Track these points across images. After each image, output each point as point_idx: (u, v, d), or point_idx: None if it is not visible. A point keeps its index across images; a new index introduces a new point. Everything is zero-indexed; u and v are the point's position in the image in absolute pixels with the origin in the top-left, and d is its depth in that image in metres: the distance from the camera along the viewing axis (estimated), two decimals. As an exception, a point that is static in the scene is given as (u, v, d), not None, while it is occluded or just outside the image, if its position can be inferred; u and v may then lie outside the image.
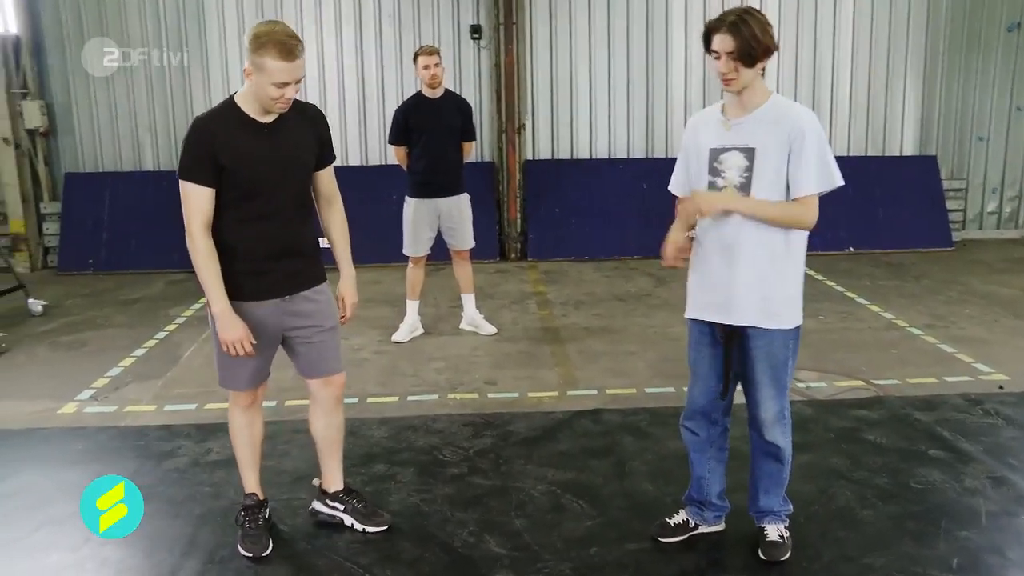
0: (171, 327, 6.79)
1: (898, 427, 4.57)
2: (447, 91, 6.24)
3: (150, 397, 5.32)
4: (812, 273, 8.08)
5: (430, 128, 6.05)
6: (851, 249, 9.19)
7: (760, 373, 3.16)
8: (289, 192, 3.28)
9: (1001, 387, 5.17)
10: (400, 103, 6.42)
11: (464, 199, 6.26)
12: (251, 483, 3.59)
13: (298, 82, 3.09)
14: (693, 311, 3.27)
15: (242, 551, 3.46)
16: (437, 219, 6.21)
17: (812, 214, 3.01)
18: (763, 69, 2.99)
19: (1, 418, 4.98)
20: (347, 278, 3.50)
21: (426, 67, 5.94)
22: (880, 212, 9.37)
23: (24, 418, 4.99)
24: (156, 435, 4.65)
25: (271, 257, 3.27)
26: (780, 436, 3.23)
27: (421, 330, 6.47)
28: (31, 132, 8.97)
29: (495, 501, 3.84)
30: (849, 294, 7.49)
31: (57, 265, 8.96)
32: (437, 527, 3.64)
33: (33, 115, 8.86)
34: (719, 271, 3.12)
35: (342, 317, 3.51)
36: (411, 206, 6.20)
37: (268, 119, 3.21)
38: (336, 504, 3.65)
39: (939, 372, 5.50)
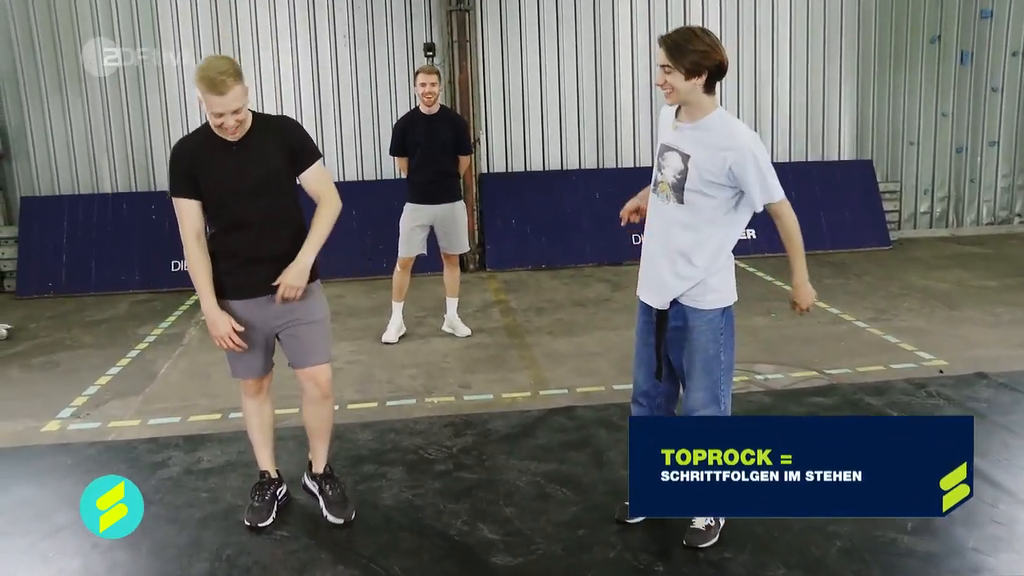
0: (142, 345, 6.86)
1: (851, 411, 4.92)
2: (442, 108, 6.58)
3: (132, 412, 5.42)
4: (762, 275, 8.50)
5: (424, 143, 6.39)
6: (796, 251, 9.60)
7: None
8: (259, 204, 3.51)
9: (941, 371, 5.58)
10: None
11: (459, 206, 6.59)
12: (262, 461, 3.94)
13: (236, 112, 3.34)
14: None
15: (245, 521, 3.78)
16: (430, 224, 6.50)
17: (792, 216, 3.29)
18: (703, 85, 3.18)
19: (-15, 437, 5.06)
20: (295, 262, 3.52)
21: (422, 84, 6.31)
22: (822, 215, 9.82)
23: (8, 437, 5.06)
24: (144, 447, 4.76)
25: (248, 262, 3.55)
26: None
27: (405, 329, 6.77)
28: (-14, 157, 8.96)
29: (483, 492, 4.07)
30: (797, 293, 7.85)
31: (16, 289, 8.93)
32: (432, 518, 3.85)
33: (-13, 140, 8.86)
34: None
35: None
36: (407, 210, 6.54)
37: (235, 138, 3.46)
38: (314, 484, 3.98)
39: (885, 360, 5.89)
